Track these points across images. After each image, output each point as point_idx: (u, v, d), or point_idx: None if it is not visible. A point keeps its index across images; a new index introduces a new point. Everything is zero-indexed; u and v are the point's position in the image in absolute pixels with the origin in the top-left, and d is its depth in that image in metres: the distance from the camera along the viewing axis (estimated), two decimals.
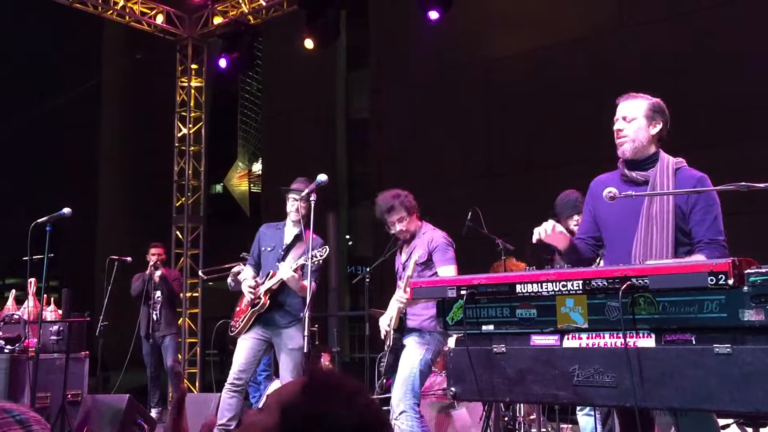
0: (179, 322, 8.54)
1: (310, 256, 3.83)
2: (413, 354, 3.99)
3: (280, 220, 4.96)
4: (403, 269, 4.16)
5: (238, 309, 4.88)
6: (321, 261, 4.39)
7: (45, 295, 5.67)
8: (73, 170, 20.06)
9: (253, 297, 4.69)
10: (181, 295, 8.80)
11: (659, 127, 2.93)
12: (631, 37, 9.37)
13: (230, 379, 4.70)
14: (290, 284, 4.49)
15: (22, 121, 18.30)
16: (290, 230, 4.82)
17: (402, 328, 4.07)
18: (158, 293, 7.32)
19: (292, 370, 4.63)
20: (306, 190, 3.95)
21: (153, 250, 7.62)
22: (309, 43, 8.60)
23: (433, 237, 4.19)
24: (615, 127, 2.96)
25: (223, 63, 9.32)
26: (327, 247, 4.47)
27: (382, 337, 4.14)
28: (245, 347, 4.71)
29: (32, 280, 5.56)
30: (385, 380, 4.04)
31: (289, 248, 4.68)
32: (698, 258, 2.69)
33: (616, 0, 9.82)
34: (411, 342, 4.05)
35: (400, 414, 3.88)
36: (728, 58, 8.30)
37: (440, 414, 5.10)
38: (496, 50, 10.98)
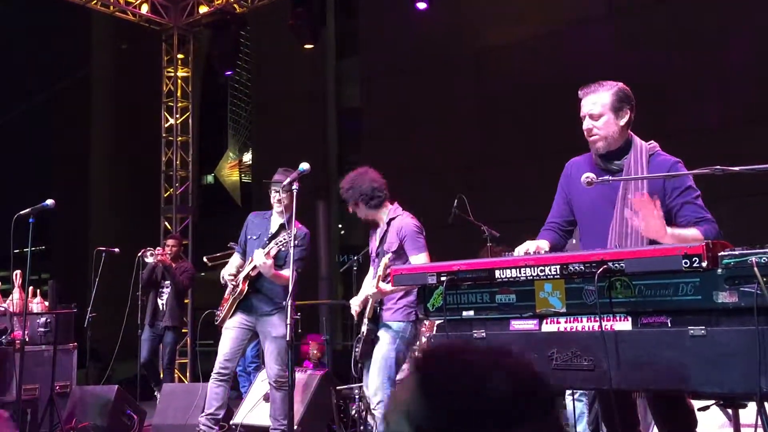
0: (185, 318, 8.43)
1: (292, 244, 3.83)
2: (386, 343, 4.04)
3: (269, 209, 4.97)
4: (377, 256, 4.19)
5: (224, 298, 4.91)
6: (303, 250, 4.40)
7: (31, 287, 5.67)
8: (63, 162, 19.96)
9: (233, 285, 4.72)
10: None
11: (627, 115, 2.87)
12: (624, 22, 9.35)
13: (216, 368, 4.73)
14: (262, 270, 4.48)
15: (10, 114, 18.19)
16: (276, 220, 4.83)
17: (377, 319, 4.09)
18: (167, 282, 7.30)
19: (276, 357, 4.67)
20: (288, 179, 3.94)
21: (168, 241, 7.66)
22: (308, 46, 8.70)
23: (402, 225, 4.14)
24: (584, 126, 2.89)
25: (225, 76, 9.34)
26: (307, 234, 4.47)
27: (355, 318, 4.21)
28: (229, 337, 4.75)
29: (18, 272, 5.54)
30: (360, 366, 4.09)
31: (272, 238, 4.67)
32: (692, 231, 2.66)
33: None
34: (384, 333, 4.09)
35: (378, 403, 3.96)
36: (724, 42, 8.29)
37: None
38: (488, 38, 10.94)
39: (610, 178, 2.79)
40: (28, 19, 18.40)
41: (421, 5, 7.88)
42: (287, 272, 4.32)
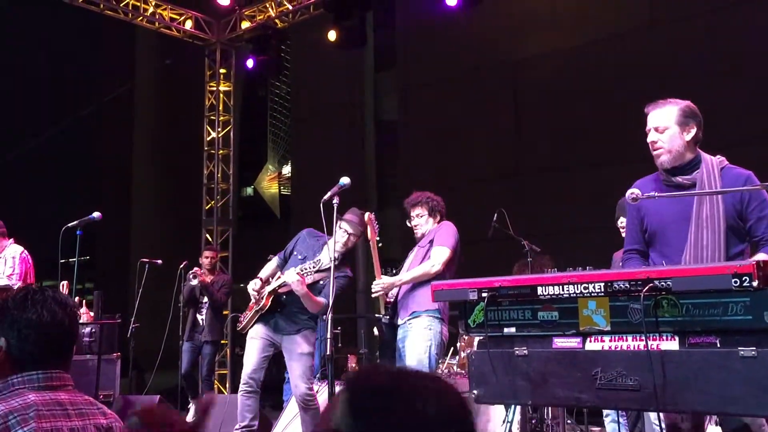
0: (224, 330, 8.45)
1: (333, 261, 3.83)
2: (420, 347, 4.07)
3: (308, 225, 4.92)
4: (421, 247, 4.33)
5: (249, 305, 4.88)
6: (338, 288, 4.28)
7: (77, 298, 5.79)
8: (107, 174, 20.40)
9: (257, 297, 4.70)
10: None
11: (693, 131, 2.85)
12: (662, 34, 9.22)
13: (244, 380, 4.69)
14: (294, 288, 4.38)
15: (57, 125, 18.66)
16: (326, 252, 4.57)
17: (393, 312, 4.18)
18: (205, 297, 7.34)
19: (301, 376, 4.61)
20: (329, 194, 3.93)
21: (206, 253, 7.72)
22: (332, 35, 8.66)
23: (442, 225, 4.35)
24: (649, 139, 2.88)
25: (250, 63, 9.43)
26: (349, 278, 4.51)
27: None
28: (254, 348, 4.68)
29: (64, 282, 5.67)
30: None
31: (315, 266, 4.53)
32: (761, 256, 2.63)
33: None
34: (414, 330, 4.11)
35: None
36: (763, 54, 8.12)
37: None
38: (525, 49, 10.90)
39: (656, 194, 2.75)
40: (73, 34, 18.90)
41: (451, 2, 7.82)
42: (320, 298, 4.36)
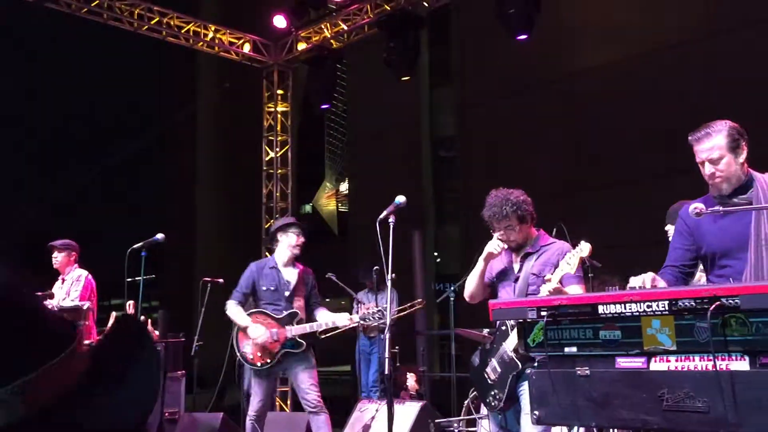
0: None
1: (389, 278, 3.82)
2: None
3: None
4: (537, 276, 3.68)
5: (254, 339, 5.14)
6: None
7: (143, 317, 5.95)
8: (172, 195, 20.98)
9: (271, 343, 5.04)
10: None
11: (744, 152, 2.85)
12: (722, 42, 8.96)
13: (253, 411, 5.02)
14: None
15: (124, 149, 19.35)
16: (288, 271, 5.31)
17: (526, 357, 3.40)
18: None
19: (314, 383, 4.98)
20: (385, 212, 3.92)
21: None
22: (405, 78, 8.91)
23: (562, 250, 3.70)
24: (705, 172, 2.87)
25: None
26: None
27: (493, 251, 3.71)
28: (264, 388, 5.10)
29: (131, 302, 5.83)
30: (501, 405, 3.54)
31: (294, 291, 5.18)
32: None
33: (705, 4, 9.43)
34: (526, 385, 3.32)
35: None
36: None
37: None
38: (581, 61, 10.76)
39: (721, 208, 2.68)
40: (140, 61, 19.60)
41: (522, 36, 7.86)
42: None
